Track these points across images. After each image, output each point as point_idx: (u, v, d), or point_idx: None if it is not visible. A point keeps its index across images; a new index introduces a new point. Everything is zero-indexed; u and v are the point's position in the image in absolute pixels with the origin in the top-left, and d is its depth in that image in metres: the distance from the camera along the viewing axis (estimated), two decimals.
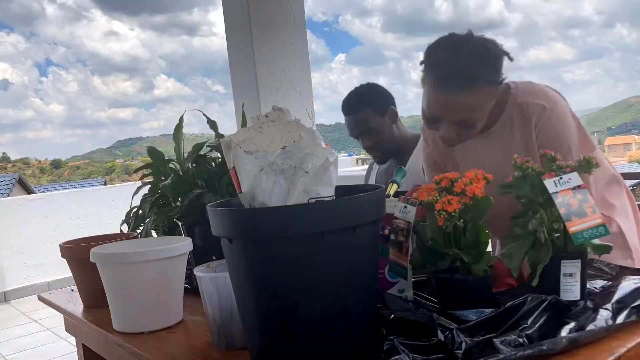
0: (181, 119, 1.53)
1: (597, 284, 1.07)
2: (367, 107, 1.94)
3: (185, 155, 1.51)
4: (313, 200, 0.82)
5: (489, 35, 1.28)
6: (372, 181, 2.13)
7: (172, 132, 1.53)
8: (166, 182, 1.46)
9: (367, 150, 2.00)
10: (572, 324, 0.88)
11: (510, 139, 1.36)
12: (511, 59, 1.27)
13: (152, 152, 1.53)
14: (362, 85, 2.03)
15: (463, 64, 1.22)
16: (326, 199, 0.83)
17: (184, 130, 1.53)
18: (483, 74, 1.23)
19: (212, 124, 1.51)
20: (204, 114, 1.55)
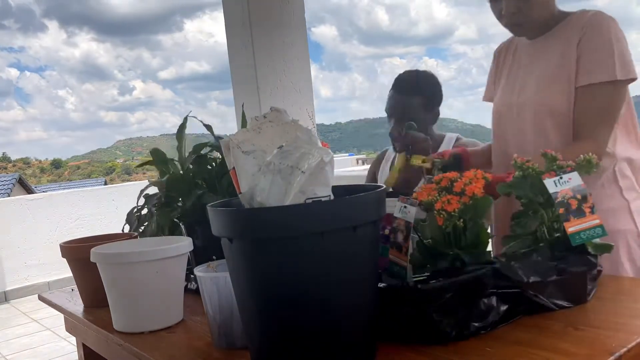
0: (185, 120, 1.54)
1: None
2: (421, 95, 1.79)
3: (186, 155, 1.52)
4: (310, 201, 0.82)
5: None
6: (384, 170, 2.02)
7: (169, 132, 1.54)
8: (167, 182, 1.46)
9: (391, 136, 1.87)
10: None
11: (553, 44, 1.43)
12: None
13: (155, 152, 1.54)
14: (424, 72, 1.86)
15: None
16: (323, 198, 0.83)
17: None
18: None
19: (208, 128, 1.53)
20: (200, 121, 1.56)
